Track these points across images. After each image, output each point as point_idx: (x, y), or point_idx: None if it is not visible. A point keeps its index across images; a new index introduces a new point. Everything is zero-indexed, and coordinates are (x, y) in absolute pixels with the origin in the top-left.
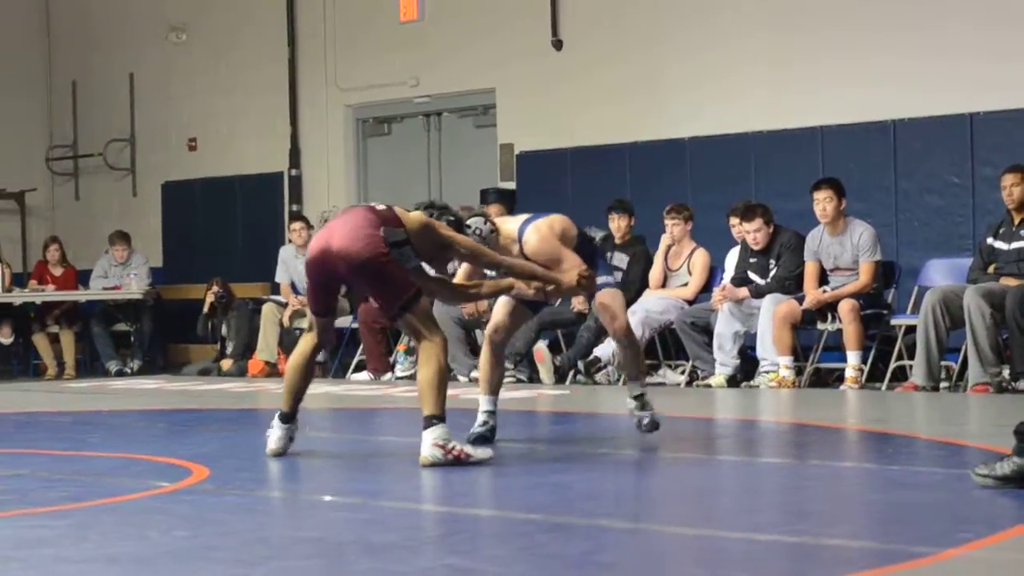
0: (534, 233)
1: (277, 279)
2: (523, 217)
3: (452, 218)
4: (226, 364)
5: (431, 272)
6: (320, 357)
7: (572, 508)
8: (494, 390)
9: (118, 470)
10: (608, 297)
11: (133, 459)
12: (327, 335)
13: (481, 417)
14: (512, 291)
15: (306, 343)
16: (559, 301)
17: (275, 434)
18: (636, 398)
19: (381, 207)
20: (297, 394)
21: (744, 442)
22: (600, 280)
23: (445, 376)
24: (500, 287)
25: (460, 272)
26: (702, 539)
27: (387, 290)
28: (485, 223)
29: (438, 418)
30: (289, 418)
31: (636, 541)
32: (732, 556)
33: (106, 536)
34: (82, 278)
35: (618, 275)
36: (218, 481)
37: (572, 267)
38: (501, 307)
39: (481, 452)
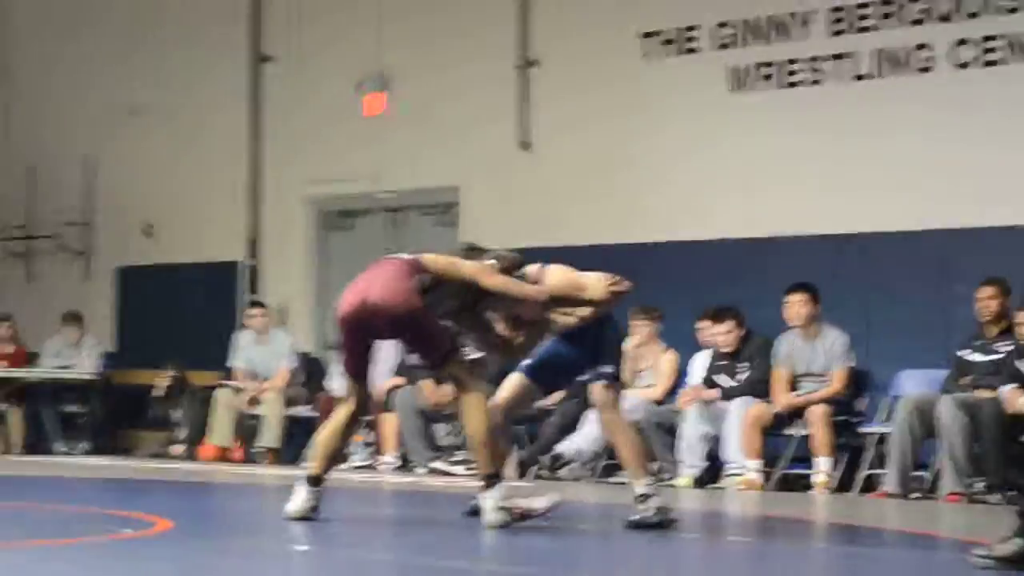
0: (550, 271)
1: (230, 364)
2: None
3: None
4: (176, 449)
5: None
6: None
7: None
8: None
9: (79, 519)
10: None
11: (92, 512)
12: (364, 400)
13: None
14: (550, 325)
15: (344, 411)
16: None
17: (300, 496)
18: (642, 498)
19: (408, 256)
20: (331, 459)
21: (713, 526)
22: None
23: (493, 430)
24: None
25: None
26: None
27: (427, 341)
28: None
29: (496, 477)
30: (317, 482)
31: None
32: None
33: (78, 566)
34: (32, 359)
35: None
36: (183, 531)
37: (596, 284)
38: (508, 384)
39: (540, 502)
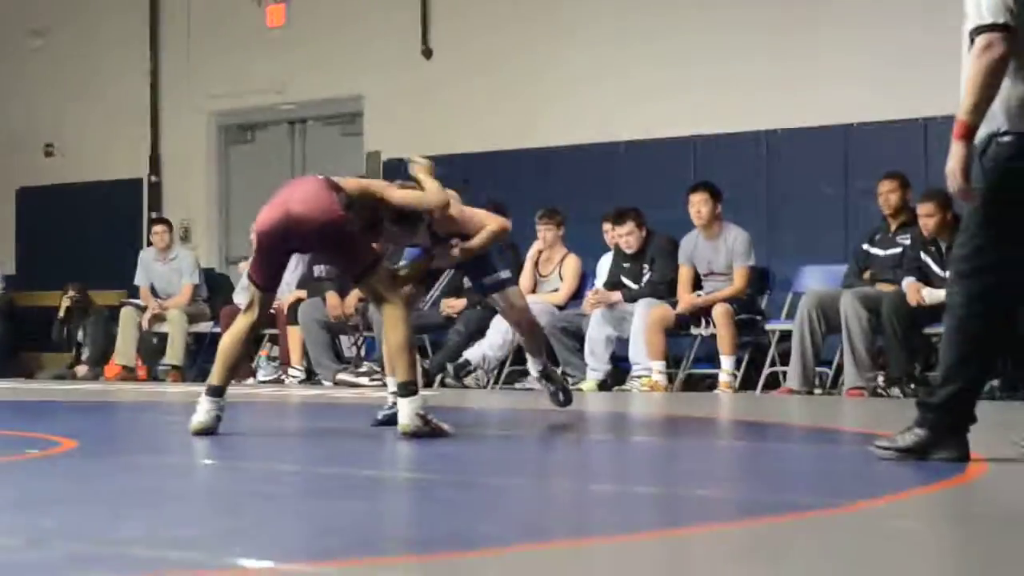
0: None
1: (136, 282)
2: None
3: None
4: (81, 370)
5: None
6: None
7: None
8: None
9: None
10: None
11: None
12: (267, 312)
13: (390, 399)
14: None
15: (244, 320)
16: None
17: (203, 407)
18: (543, 374)
19: (322, 176)
20: (232, 369)
21: (620, 428)
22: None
23: (413, 340)
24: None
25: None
26: (580, 492)
27: (350, 253)
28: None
29: (414, 385)
30: (219, 392)
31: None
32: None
33: None
34: None
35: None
36: (87, 450)
37: (487, 219)
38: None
39: (448, 426)
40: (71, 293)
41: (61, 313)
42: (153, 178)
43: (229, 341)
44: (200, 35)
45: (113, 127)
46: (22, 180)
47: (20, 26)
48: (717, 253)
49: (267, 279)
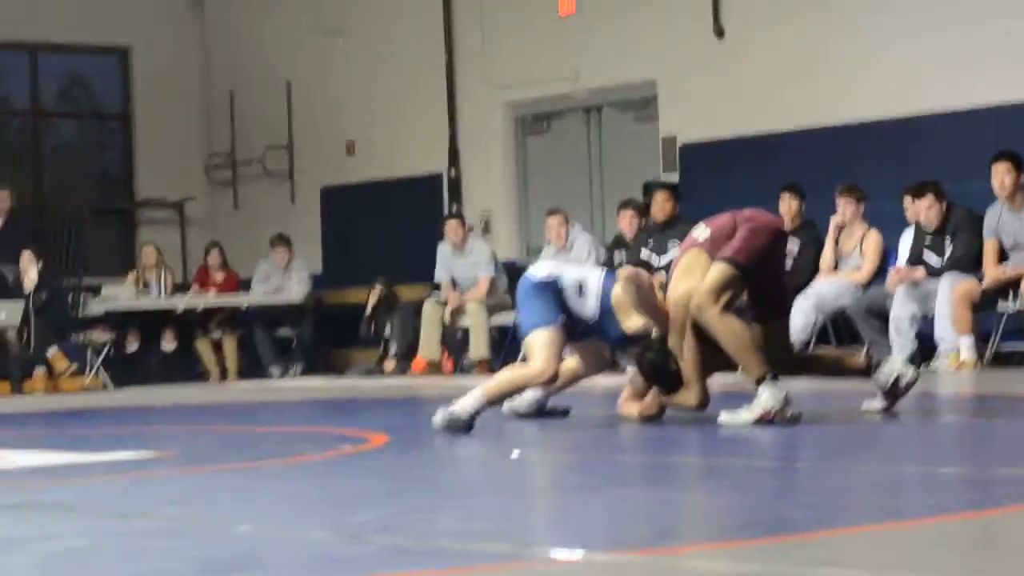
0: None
1: (436, 278)
2: None
3: None
4: (389, 365)
5: None
6: None
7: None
8: None
9: (296, 439)
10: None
11: (308, 431)
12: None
13: None
14: None
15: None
16: None
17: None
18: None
19: None
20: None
21: (929, 407)
22: None
23: None
24: None
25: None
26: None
27: None
28: None
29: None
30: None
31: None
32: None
33: (299, 483)
34: (243, 285)
35: (788, 261)
36: (398, 445)
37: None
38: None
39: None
40: (378, 289)
41: (369, 310)
42: (452, 172)
43: (738, 327)
44: (493, 27)
45: (411, 122)
46: (326, 180)
47: (317, 29)
48: (1023, 225)
49: (769, 272)
